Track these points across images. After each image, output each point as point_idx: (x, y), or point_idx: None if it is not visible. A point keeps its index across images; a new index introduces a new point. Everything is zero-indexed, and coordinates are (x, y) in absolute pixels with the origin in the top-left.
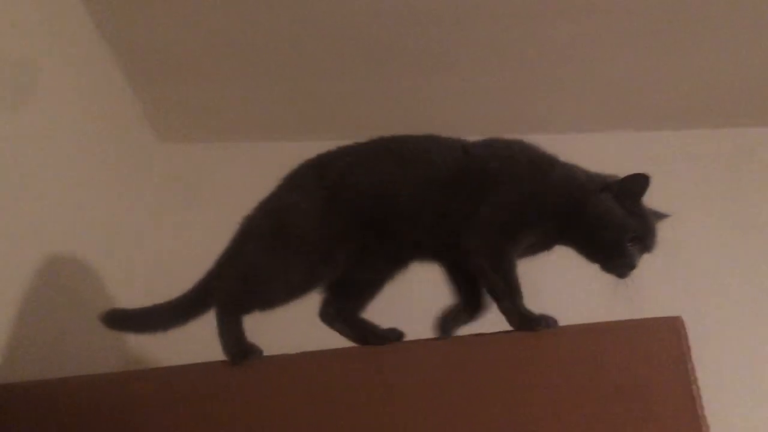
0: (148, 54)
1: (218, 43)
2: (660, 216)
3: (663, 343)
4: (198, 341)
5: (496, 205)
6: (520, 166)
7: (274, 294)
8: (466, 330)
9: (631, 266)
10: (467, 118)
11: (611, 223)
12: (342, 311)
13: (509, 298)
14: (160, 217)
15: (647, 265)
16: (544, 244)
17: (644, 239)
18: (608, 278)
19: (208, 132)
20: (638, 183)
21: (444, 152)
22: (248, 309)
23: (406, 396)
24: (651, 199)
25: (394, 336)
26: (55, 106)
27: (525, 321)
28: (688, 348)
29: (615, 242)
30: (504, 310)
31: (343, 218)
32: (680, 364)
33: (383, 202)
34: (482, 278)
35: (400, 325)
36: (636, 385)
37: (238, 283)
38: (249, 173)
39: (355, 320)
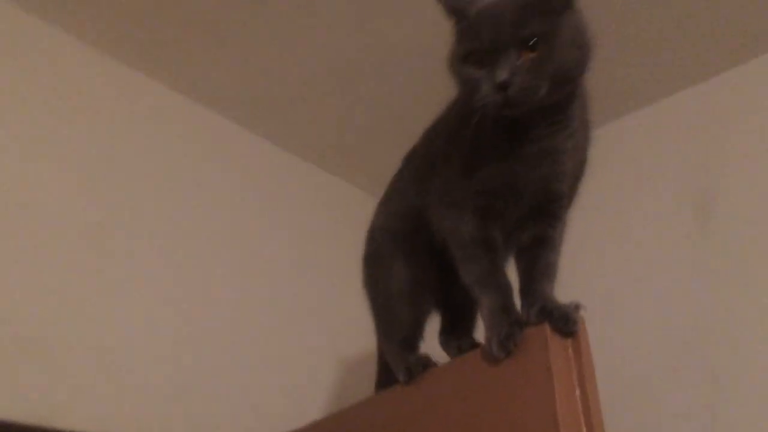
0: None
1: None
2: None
3: (527, 361)
4: None
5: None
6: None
7: None
8: None
9: (493, 87)
10: None
11: (447, 65)
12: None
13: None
14: None
15: None
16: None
17: (473, 43)
18: None
19: None
20: None
21: None
22: None
23: None
24: None
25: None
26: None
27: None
28: (561, 364)
29: (456, 81)
30: None
31: None
32: (544, 385)
33: None
34: None
35: None
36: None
37: None
38: None
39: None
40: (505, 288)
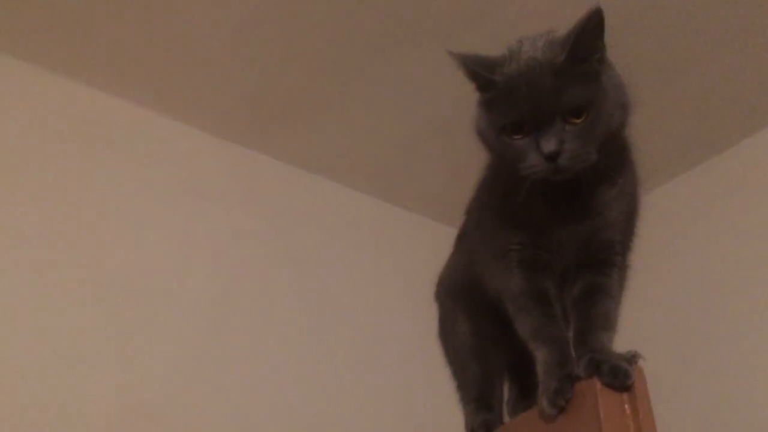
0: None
1: None
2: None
3: (578, 419)
4: None
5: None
6: None
7: None
8: None
9: (542, 157)
10: None
11: (476, 134)
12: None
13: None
14: None
15: None
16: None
17: (513, 114)
18: None
19: None
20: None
21: None
22: None
23: None
24: None
25: None
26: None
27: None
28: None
29: (490, 150)
30: None
31: None
32: None
33: None
34: None
35: None
36: None
37: None
38: None
39: None
40: (559, 341)
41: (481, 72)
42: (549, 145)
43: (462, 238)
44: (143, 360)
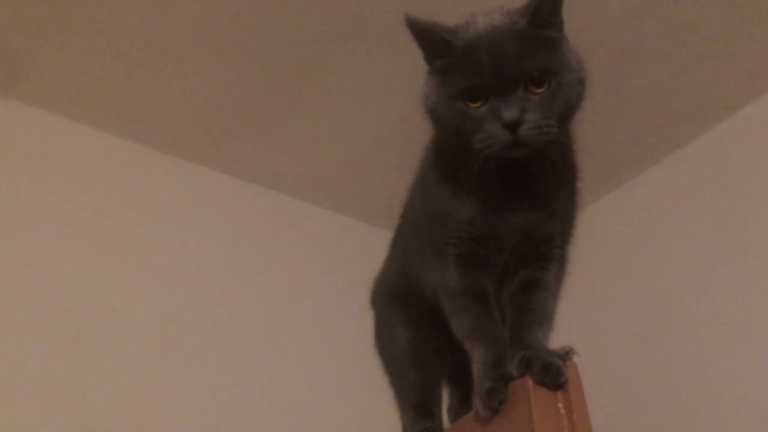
0: None
1: None
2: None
3: (511, 420)
4: None
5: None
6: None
7: None
8: None
9: (502, 126)
10: None
11: (427, 108)
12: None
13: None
14: None
15: None
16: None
17: (472, 79)
18: None
19: None
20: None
21: None
22: None
23: None
24: None
25: None
26: None
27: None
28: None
29: (442, 122)
30: None
31: None
32: None
33: None
34: None
35: None
36: None
37: None
38: None
39: None
40: (496, 340)
41: (439, 33)
42: (511, 112)
43: (397, 242)
44: (94, 386)
